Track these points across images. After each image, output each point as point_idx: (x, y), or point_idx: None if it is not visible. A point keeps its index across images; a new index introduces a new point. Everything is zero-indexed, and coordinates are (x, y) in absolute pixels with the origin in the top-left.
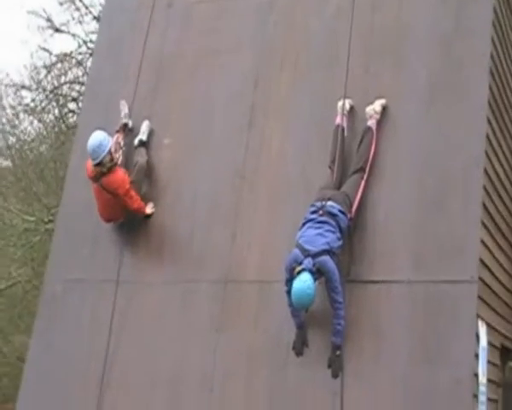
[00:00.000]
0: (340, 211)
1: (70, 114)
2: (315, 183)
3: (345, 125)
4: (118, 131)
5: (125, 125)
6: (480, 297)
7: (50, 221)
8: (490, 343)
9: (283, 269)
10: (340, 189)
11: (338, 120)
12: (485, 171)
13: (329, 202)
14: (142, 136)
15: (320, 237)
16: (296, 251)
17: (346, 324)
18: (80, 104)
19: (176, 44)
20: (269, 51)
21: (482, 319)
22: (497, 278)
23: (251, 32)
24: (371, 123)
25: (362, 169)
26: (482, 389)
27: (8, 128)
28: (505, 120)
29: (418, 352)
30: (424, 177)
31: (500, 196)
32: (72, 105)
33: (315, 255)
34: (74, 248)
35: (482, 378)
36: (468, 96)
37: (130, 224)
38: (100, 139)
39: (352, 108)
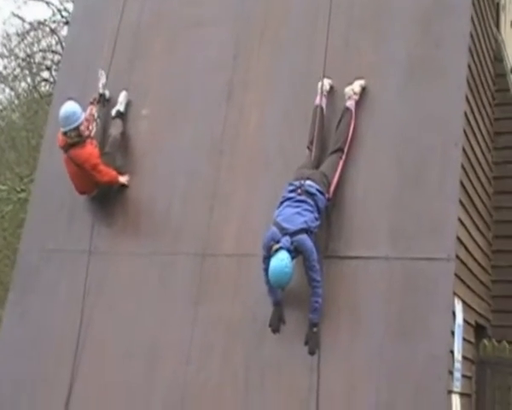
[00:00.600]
0: (318, 190)
1: (43, 83)
2: (293, 157)
3: (324, 105)
4: (92, 103)
5: (102, 95)
6: (456, 275)
7: (23, 190)
8: (465, 321)
9: (261, 246)
10: (318, 168)
11: (317, 101)
12: (464, 149)
13: (308, 182)
14: (120, 106)
15: (298, 216)
16: (274, 229)
17: (323, 300)
18: (54, 73)
19: (155, 15)
20: (248, 24)
21: (458, 297)
22: (472, 257)
23: (231, 4)
24: (350, 104)
25: (340, 150)
26: (457, 365)
27: None
28: (483, 99)
29: (395, 328)
30: (402, 154)
31: (477, 175)
32: (45, 74)
33: (293, 234)
34: (50, 218)
35: (458, 355)
36: (447, 74)
37: (106, 195)
38: (74, 109)
39: (331, 87)
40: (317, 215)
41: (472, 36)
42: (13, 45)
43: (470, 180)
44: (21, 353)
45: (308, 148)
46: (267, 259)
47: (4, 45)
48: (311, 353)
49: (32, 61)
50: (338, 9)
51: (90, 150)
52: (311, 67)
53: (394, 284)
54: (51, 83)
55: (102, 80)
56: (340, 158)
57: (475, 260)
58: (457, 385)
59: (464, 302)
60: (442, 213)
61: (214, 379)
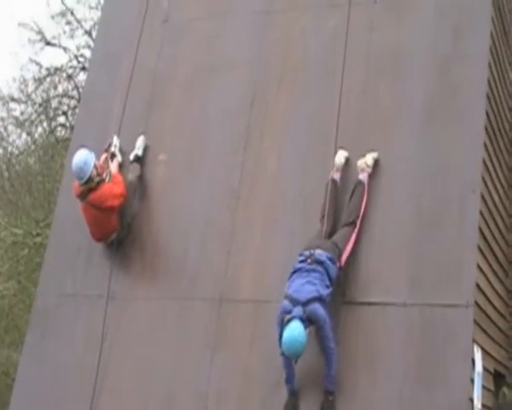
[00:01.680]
0: (328, 258)
1: (59, 128)
2: (311, 203)
3: (338, 178)
4: (106, 150)
5: (113, 155)
6: (475, 322)
7: (38, 235)
8: (484, 368)
9: (275, 321)
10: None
11: (331, 174)
12: (482, 196)
13: (318, 251)
14: (138, 151)
15: (309, 286)
16: (285, 302)
17: (340, 346)
18: (70, 118)
19: (171, 61)
20: (265, 70)
21: (477, 344)
22: (491, 303)
23: (247, 49)
24: (363, 176)
25: (353, 223)
26: None
27: None
28: (500, 145)
29: (413, 375)
30: (421, 200)
31: (495, 222)
32: (61, 119)
33: (305, 303)
34: (67, 263)
35: (477, 403)
36: (464, 121)
37: (123, 241)
38: (84, 158)
39: (347, 160)
40: (328, 283)
41: (489, 82)
42: (30, 90)
43: (489, 227)
44: (38, 397)
45: (320, 221)
46: (281, 333)
47: (21, 91)
48: None
49: (48, 106)
50: (355, 54)
51: (110, 186)
52: (328, 113)
53: (412, 330)
54: (67, 128)
55: (115, 142)
56: (353, 230)
57: (494, 306)
58: None
59: (483, 349)
60: (461, 259)
61: None
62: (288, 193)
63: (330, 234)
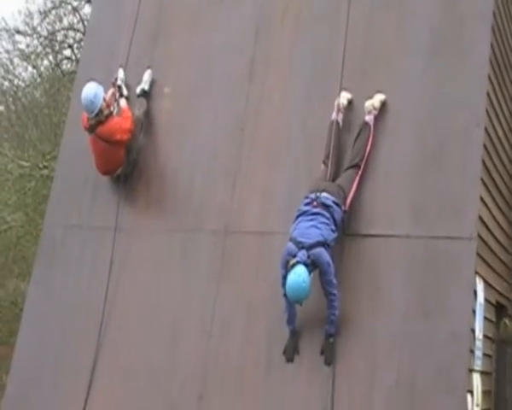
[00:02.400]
0: (334, 202)
1: (65, 61)
2: (315, 134)
3: (340, 120)
4: (113, 84)
5: (120, 87)
6: (478, 254)
7: (45, 167)
8: (486, 300)
9: (280, 261)
10: (334, 182)
11: (333, 115)
12: (486, 130)
13: (323, 194)
14: (144, 85)
15: (314, 229)
16: (290, 244)
17: (343, 279)
18: (76, 51)
19: None
20: (270, 4)
21: (480, 276)
22: (494, 236)
23: None
24: (369, 118)
25: (357, 165)
26: (478, 344)
27: (2, 73)
28: (505, 79)
29: (416, 307)
30: (425, 134)
31: (499, 155)
32: (67, 52)
33: (309, 247)
34: (74, 195)
35: (479, 334)
36: (469, 54)
37: (129, 175)
38: (94, 91)
39: (350, 102)
40: (333, 228)
41: (495, 15)
42: (35, 23)
43: (492, 160)
44: (45, 326)
45: (324, 162)
46: (285, 275)
47: (27, 23)
48: (327, 363)
49: (54, 38)
50: None
51: (119, 120)
52: (332, 45)
53: (416, 262)
54: (73, 61)
55: (120, 76)
56: (357, 173)
57: (496, 239)
58: (478, 364)
59: (485, 281)
60: (464, 192)
61: (235, 355)
62: (293, 124)
63: (335, 175)
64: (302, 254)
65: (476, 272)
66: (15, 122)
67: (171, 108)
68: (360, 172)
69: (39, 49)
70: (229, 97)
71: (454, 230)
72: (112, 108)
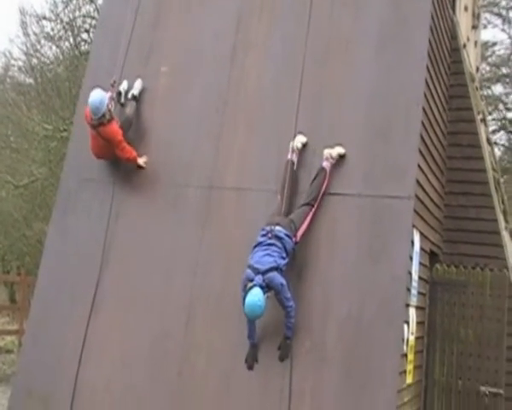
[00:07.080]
0: (286, 235)
1: (83, 43)
2: (284, 109)
3: (295, 159)
4: (112, 86)
5: (119, 93)
6: (415, 211)
7: (65, 130)
8: (421, 248)
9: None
10: (288, 216)
11: (289, 156)
12: (423, 109)
13: (277, 227)
14: (135, 91)
15: (268, 257)
16: (248, 271)
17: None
18: (91, 35)
19: None
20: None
21: (416, 229)
22: (429, 196)
23: None
24: (326, 165)
25: (311, 204)
26: (414, 284)
27: (31, 51)
28: (440, 69)
29: (364, 253)
30: (374, 111)
31: (434, 131)
32: (84, 35)
33: (264, 272)
34: (87, 154)
35: (415, 276)
36: (412, 47)
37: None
38: (100, 98)
39: (304, 145)
40: (284, 255)
41: (432, 16)
42: (59, 10)
43: (428, 134)
44: (61, 262)
45: (280, 195)
46: (244, 296)
47: (52, 11)
48: (281, 360)
49: (74, 24)
50: None
51: (116, 129)
52: (298, 37)
53: (365, 216)
54: (89, 43)
55: (124, 86)
56: (310, 210)
57: (431, 199)
58: (414, 300)
59: (421, 233)
60: (405, 159)
61: (217, 288)
62: (266, 100)
63: (288, 210)
64: (258, 279)
65: (413, 226)
66: (41, 92)
67: (167, 84)
68: (314, 210)
69: (61, 32)
70: (214, 76)
71: (396, 190)
72: (111, 109)
